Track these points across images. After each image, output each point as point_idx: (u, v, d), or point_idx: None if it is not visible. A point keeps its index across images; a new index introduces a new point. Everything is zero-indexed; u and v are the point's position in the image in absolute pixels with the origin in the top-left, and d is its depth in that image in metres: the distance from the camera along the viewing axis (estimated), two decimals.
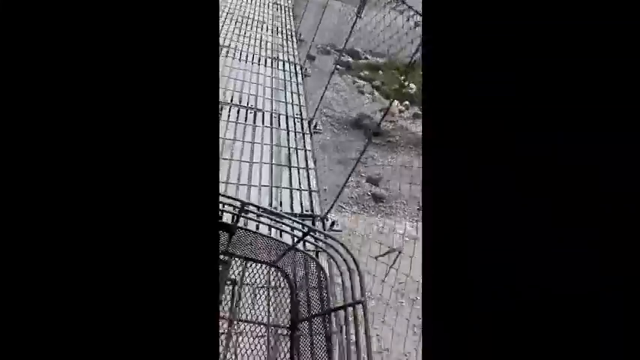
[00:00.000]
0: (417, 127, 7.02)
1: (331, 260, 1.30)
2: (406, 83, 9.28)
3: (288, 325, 1.29)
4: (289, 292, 1.30)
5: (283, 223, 1.43)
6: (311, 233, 1.28)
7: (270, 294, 1.36)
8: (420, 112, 8.35)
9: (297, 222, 1.33)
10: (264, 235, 1.38)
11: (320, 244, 1.29)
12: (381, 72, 10.34)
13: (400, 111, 7.92)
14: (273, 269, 1.38)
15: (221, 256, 1.21)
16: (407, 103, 8.58)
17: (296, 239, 1.31)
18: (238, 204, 1.18)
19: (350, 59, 10.46)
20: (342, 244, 1.28)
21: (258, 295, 1.35)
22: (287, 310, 1.29)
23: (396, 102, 8.47)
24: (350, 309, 1.16)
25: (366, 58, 11.34)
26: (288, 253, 1.29)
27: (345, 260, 1.24)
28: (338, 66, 9.83)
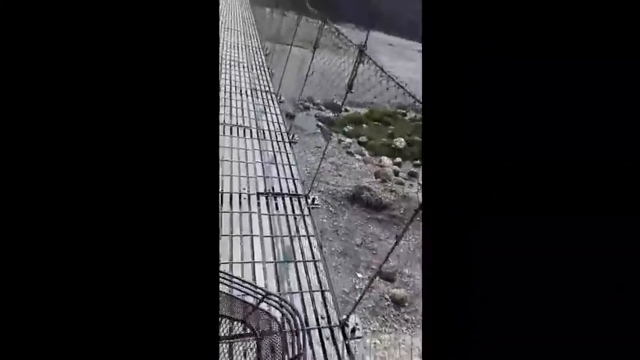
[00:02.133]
0: (417, 192, 6.25)
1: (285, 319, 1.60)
2: (394, 140, 8.72)
3: None
4: (254, 344, 1.58)
5: (249, 289, 1.64)
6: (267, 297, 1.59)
7: (239, 345, 1.64)
8: (414, 170, 7.68)
9: (257, 287, 1.68)
10: (235, 297, 1.63)
11: (275, 304, 1.59)
12: (364, 125, 9.79)
13: (395, 173, 7.19)
14: (241, 324, 1.65)
15: None
16: (399, 160, 7.94)
17: (257, 301, 1.63)
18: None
19: (331, 114, 9.86)
20: (291, 306, 1.57)
21: (227, 347, 1.66)
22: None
23: (388, 160, 7.81)
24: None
25: (346, 110, 10.85)
26: (254, 311, 1.60)
27: (290, 320, 1.51)
28: (320, 123, 9.14)
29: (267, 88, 6.58)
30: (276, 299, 1.61)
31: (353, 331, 2.43)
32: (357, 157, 7.66)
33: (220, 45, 7.56)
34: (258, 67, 7.28)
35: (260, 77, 6.86)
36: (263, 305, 1.63)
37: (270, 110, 5.56)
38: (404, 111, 11.43)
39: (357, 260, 4.60)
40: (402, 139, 8.85)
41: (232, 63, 7.02)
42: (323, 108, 10.16)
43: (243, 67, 7.01)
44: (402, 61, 19.93)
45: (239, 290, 1.64)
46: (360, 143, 8.55)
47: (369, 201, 5.60)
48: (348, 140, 8.26)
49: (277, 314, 1.62)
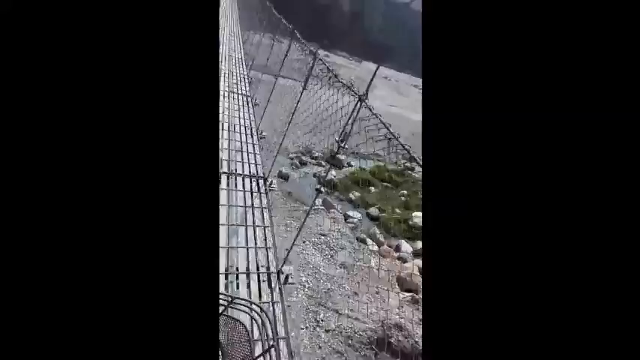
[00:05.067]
0: None
1: (253, 319, 1.53)
2: (412, 215, 6.99)
3: None
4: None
5: None
6: (234, 301, 1.48)
7: None
8: None
9: (223, 294, 1.53)
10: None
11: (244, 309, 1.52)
12: (372, 188, 8.04)
13: (420, 270, 5.38)
14: None
15: None
16: (420, 247, 6.18)
17: (222, 307, 1.48)
18: None
19: (333, 173, 8.07)
20: (258, 305, 1.48)
21: None
22: None
23: (407, 245, 6.06)
24: (267, 354, 1.37)
25: (349, 165, 9.09)
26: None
27: (260, 317, 1.44)
28: (320, 187, 7.29)
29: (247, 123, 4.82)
30: (244, 302, 1.50)
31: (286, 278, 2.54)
32: (370, 243, 5.83)
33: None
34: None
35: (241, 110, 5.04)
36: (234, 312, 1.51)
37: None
38: (411, 165, 9.84)
39: None
40: (419, 214, 7.12)
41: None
42: (323, 163, 8.36)
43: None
44: (400, 97, 18.70)
45: None
46: (371, 218, 6.75)
47: (403, 350, 3.73)
48: (357, 216, 6.44)
49: (246, 319, 1.53)
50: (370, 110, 2.18)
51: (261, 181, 3.62)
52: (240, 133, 4.39)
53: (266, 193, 3.46)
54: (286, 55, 4.30)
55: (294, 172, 7.58)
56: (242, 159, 3.88)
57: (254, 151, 4.15)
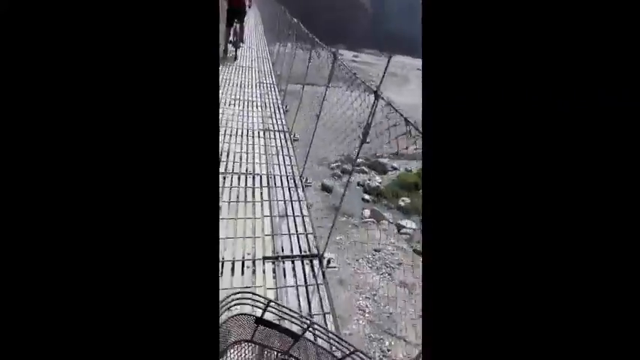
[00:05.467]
0: None
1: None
2: None
3: None
4: None
5: (292, 317, 1.41)
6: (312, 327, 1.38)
7: None
8: None
9: (304, 317, 1.44)
10: (283, 328, 1.45)
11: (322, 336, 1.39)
12: (421, 192, 7.48)
13: None
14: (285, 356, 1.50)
15: (247, 343, 1.45)
16: None
17: (301, 330, 1.43)
18: (264, 300, 1.32)
19: (378, 179, 7.62)
20: (337, 336, 1.37)
21: None
22: None
23: None
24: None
25: (394, 169, 8.58)
26: (298, 341, 1.45)
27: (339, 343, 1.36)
28: (366, 196, 6.91)
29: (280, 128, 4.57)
30: (322, 329, 1.40)
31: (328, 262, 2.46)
32: None
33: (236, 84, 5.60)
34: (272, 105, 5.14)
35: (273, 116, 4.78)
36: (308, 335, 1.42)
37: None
38: None
39: None
40: None
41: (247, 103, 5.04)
42: (366, 169, 7.95)
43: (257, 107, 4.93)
44: None
45: (277, 315, 1.39)
46: None
47: None
48: (411, 225, 5.94)
49: (325, 344, 1.43)
50: (391, 105, 2.04)
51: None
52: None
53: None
54: (309, 61, 4.06)
55: (337, 181, 7.25)
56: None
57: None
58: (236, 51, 6.73)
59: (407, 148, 2.02)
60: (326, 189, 6.76)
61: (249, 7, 6.11)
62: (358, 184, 7.34)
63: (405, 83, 19.90)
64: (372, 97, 2.20)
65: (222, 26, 5.99)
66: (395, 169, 8.38)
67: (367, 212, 6.16)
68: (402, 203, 6.78)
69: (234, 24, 6.08)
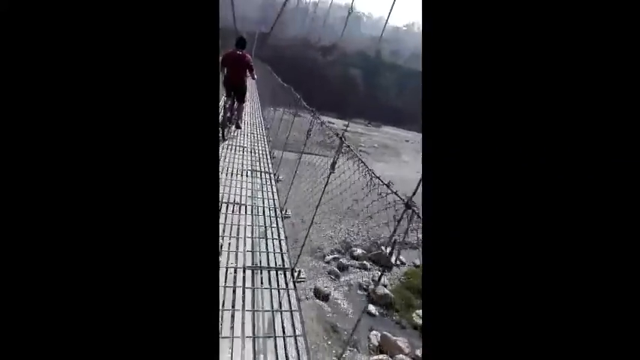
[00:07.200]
0: None
1: None
2: None
3: None
4: None
5: None
6: None
7: None
8: None
9: None
10: None
11: None
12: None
13: None
14: None
15: None
16: None
17: None
18: None
19: (384, 283, 6.15)
20: None
21: None
22: None
23: None
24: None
25: (402, 264, 7.18)
26: None
27: None
28: (373, 309, 5.34)
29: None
30: None
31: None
32: None
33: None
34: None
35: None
36: None
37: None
38: None
39: None
40: None
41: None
42: (367, 264, 6.49)
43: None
44: None
45: None
46: None
47: None
48: None
49: None
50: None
51: None
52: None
53: None
54: (308, 132, 3.12)
55: (334, 282, 5.72)
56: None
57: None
58: (229, 131, 5.20)
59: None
60: (320, 296, 5.19)
61: (254, 78, 4.67)
62: (360, 287, 5.81)
63: (397, 155, 19.62)
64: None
65: (222, 100, 4.69)
66: (402, 263, 6.95)
67: (376, 338, 4.57)
68: (416, 318, 5.24)
69: (233, 99, 4.66)
